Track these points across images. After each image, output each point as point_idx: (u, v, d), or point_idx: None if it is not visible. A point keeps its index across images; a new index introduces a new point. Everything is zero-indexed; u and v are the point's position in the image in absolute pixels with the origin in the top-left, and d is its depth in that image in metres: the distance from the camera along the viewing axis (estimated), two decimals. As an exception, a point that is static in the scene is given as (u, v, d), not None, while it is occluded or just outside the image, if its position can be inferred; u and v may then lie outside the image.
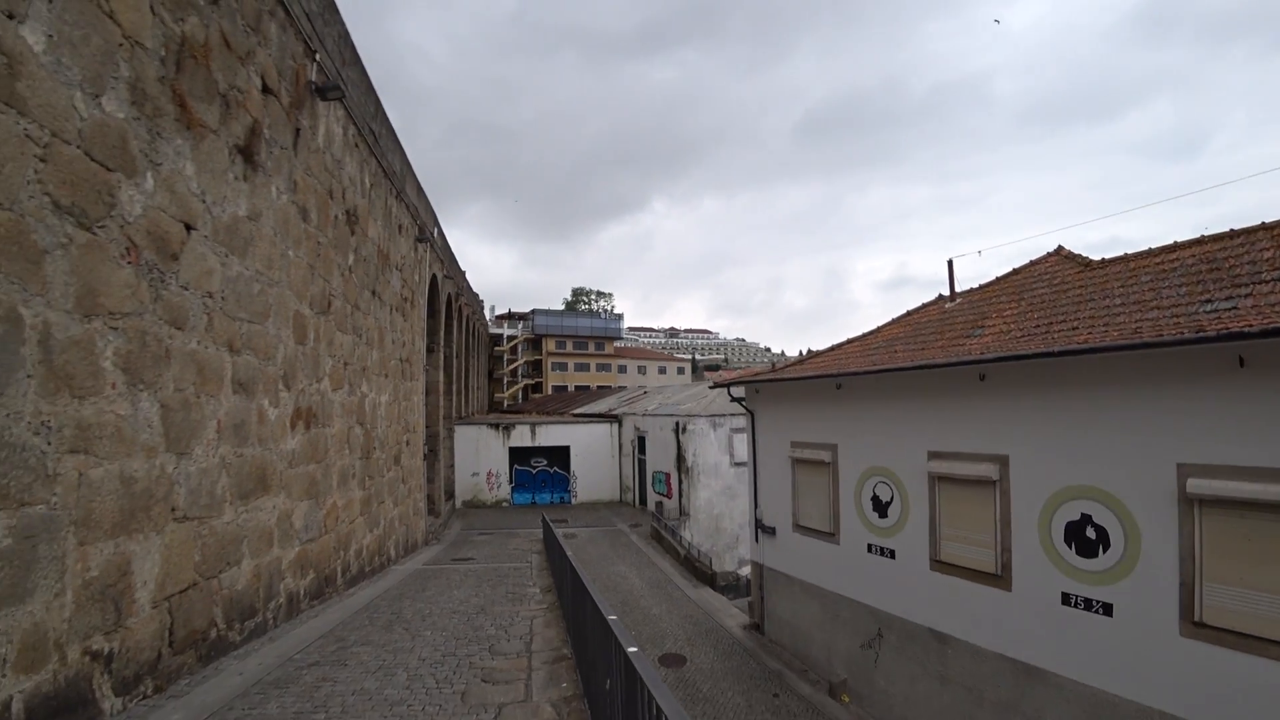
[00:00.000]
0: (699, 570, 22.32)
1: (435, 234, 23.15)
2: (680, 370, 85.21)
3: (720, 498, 28.53)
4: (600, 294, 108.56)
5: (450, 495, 31.34)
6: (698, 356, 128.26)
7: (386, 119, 15.68)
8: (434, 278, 25.20)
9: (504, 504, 33.37)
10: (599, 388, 64.41)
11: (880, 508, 13.49)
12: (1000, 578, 10.68)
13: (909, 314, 16.81)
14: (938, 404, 11.91)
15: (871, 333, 17.05)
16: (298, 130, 9.62)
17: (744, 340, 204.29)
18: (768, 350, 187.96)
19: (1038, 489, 10.11)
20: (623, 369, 77.63)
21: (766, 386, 16.98)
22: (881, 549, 13.39)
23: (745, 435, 29.46)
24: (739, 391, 17.99)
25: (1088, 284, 11.69)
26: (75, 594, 4.58)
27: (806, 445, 15.58)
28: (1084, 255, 13.19)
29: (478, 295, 53.94)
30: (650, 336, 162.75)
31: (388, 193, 15.93)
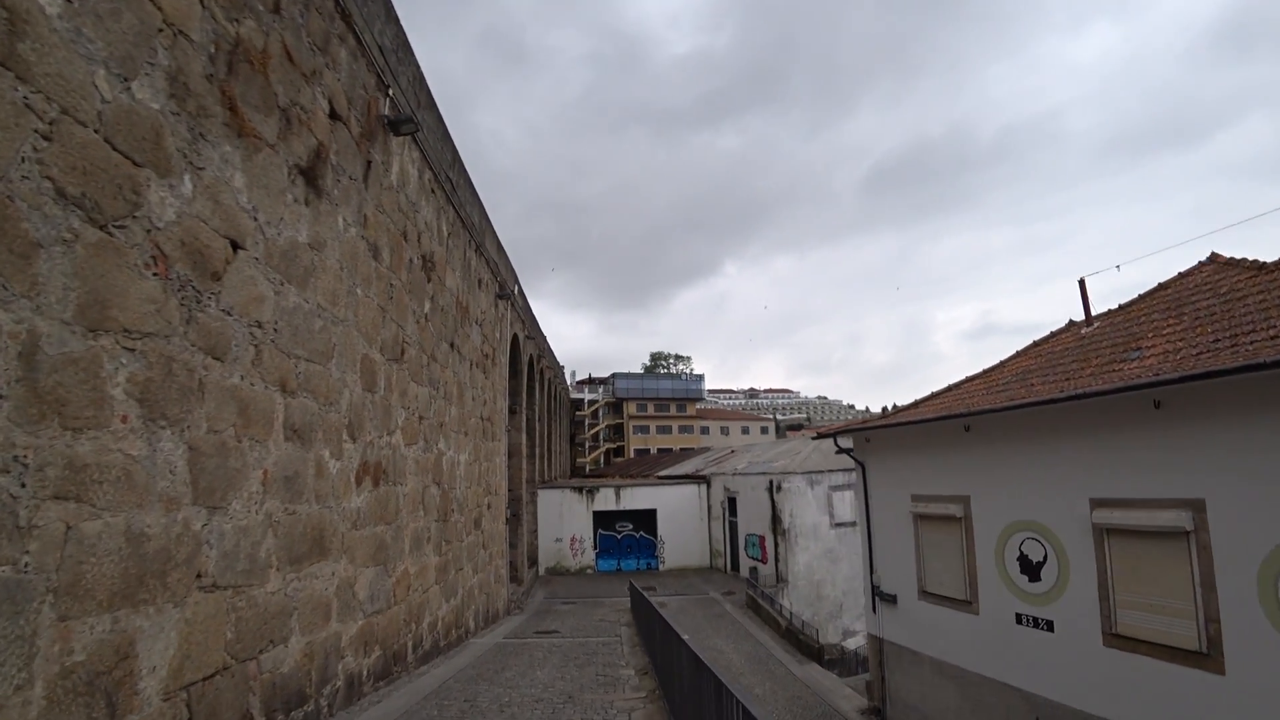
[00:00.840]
0: (803, 644, 20.11)
1: (516, 292, 22.69)
2: (764, 430, 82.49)
3: (821, 561, 26.23)
4: (679, 357, 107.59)
5: (533, 562, 30.10)
6: (779, 416, 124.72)
7: (464, 170, 15.26)
8: (515, 337, 24.67)
9: (588, 570, 31.85)
10: (681, 450, 62.69)
11: (1030, 569, 11.42)
12: (1208, 656, 8.52)
13: (1036, 345, 14.95)
14: (1099, 441, 9.98)
15: (994, 369, 15.20)
16: (369, 163, 8.98)
17: (826, 398, 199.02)
18: (850, 407, 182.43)
19: (1254, 541, 8.03)
20: (705, 430, 75.74)
21: (879, 434, 15.17)
22: (1035, 620, 11.26)
23: (847, 492, 27.26)
24: (846, 442, 16.22)
25: (1270, 288, 9.72)
26: (48, 686, 3.49)
27: (931, 499, 13.63)
28: (1250, 259, 11.17)
29: (558, 361, 53.81)
30: (730, 398, 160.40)
31: (466, 244, 15.39)
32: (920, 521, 14.01)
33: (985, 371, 15.28)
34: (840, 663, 23.42)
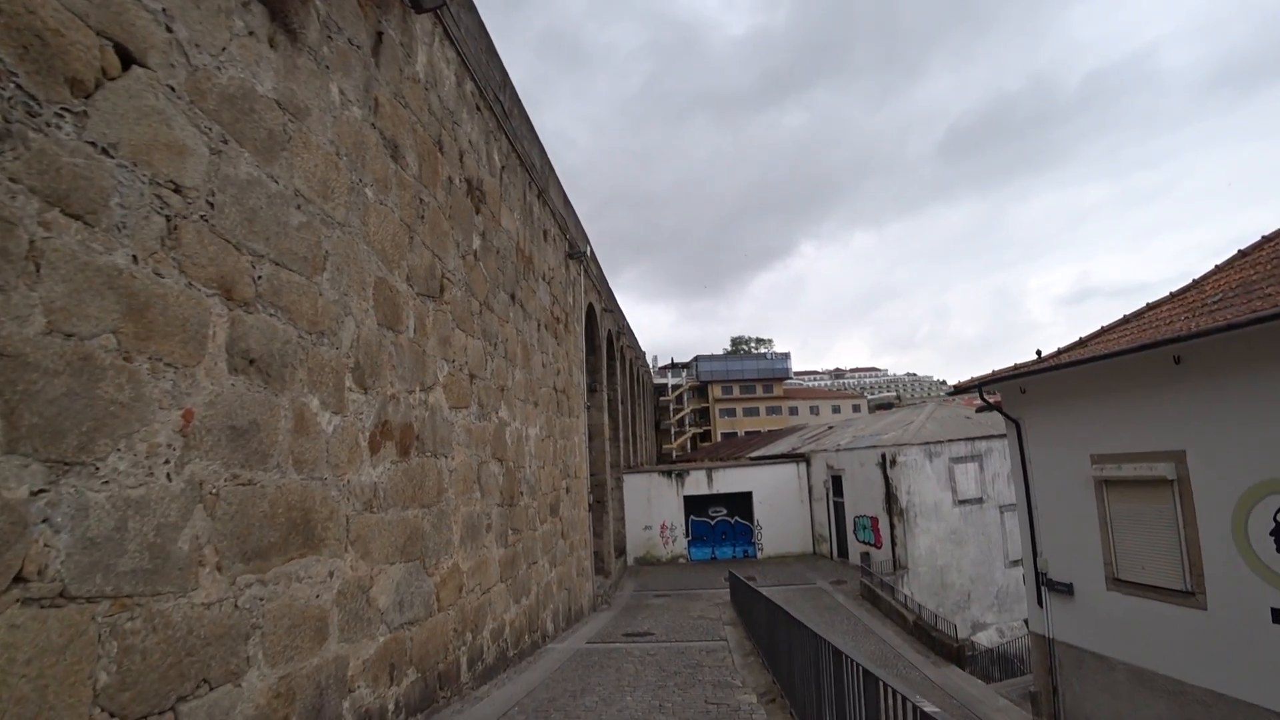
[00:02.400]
0: (937, 641, 17.11)
1: (589, 254, 20.50)
2: (855, 408, 77.99)
3: (944, 545, 23.10)
4: (760, 340, 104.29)
5: (621, 552, 28.06)
6: (868, 396, 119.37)
7: (519, 100, 13.09)
8: (591, 307, 22.54)
9: (680, 560, 29.56)
10: (770, 431, 59.57)
11: (1295, 548, 8.40)
12: None
13: (1244, 255, 11.80)
14: None
15: (1187, 290, 12.10)
16: (379, 34, 6.83)
17: (915, 375, 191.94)
18: (942, 383, 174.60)
19: None
20: (794, 411, 72.17)
21: (1041, 381, 12.18)
22: (1310, 619, 8.24)
23: (971, 465, 23.91)
24: (995, 395, 13.27)
25: None
26: None
27: (1124, 458, 10.63)
28: None
29: (640, 346, 51.67)
30: (815, 379, 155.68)
31: (526, 186, 13.25)
32: (1107, 489, 11.01)
33: (1175, 295, 12.11)
34: (972, 661, 20.30)
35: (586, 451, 19.03)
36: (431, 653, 6.54)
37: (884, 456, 23.09)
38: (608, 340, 27.55)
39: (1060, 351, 12.64)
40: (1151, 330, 10.89)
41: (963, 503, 23.42)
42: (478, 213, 9.75)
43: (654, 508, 29.82)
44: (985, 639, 23.06)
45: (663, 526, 29.78)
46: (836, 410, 75.12)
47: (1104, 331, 12.58)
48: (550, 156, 16.12)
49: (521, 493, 10.66)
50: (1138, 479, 10.36)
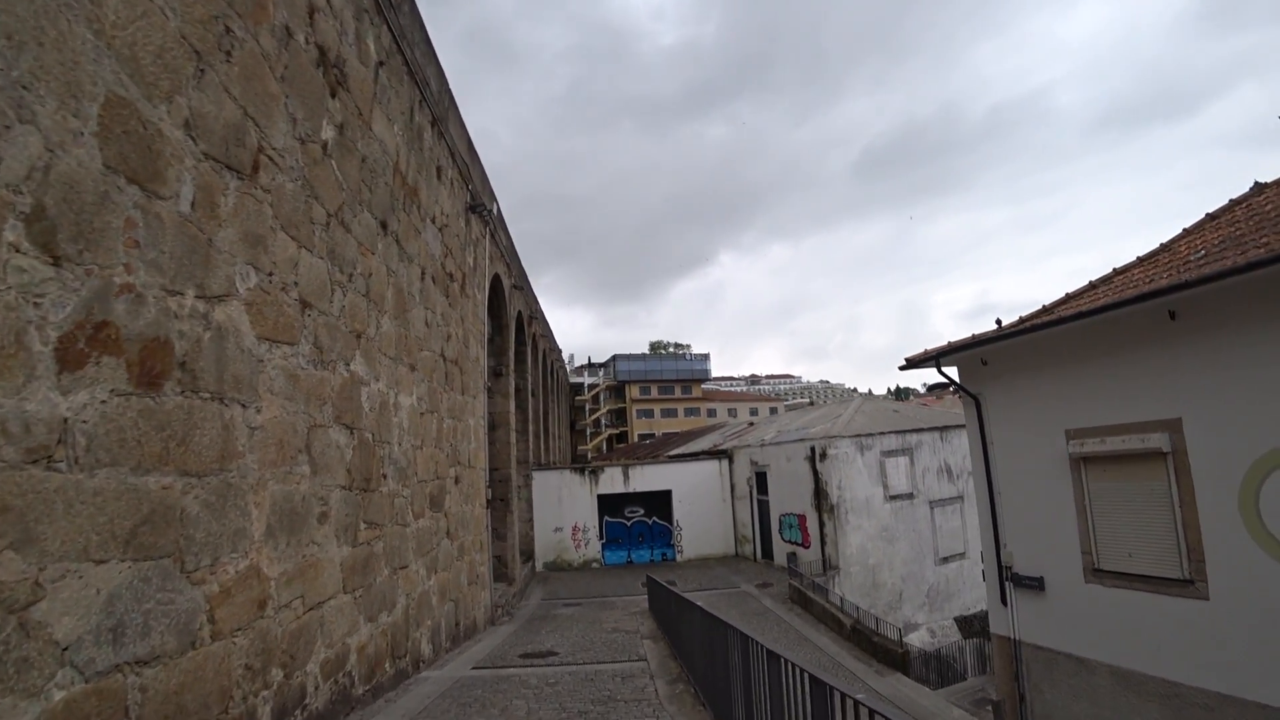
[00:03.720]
0: (879, 647, 15.54)
1: (495, 212, 18.04)
2: (773, 411, 78.05)
3: (876, 542, 21.84)
4: (678, 345, 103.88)
5: (529, 556, 25.55)
6: (785, 401, 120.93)
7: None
8: (498, 278, 20.06)
9: (594, 564, 27.32)
10: (688, 431, 58.16)
11: (1326, 530, 7.05)
12: None
13: (1213, 218, 10.80)
14: None
15: (1158, 253, 10.93)
16: None
17: (828, 382, 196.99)
18: (854, 391, 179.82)
19: None
20: (712, 413, 71.19)
21: (1004, 352, 10.71)
22: (1345, 613, 6.87)
23: (902, 459, 22.77)
24: (952, 369, 11.74)
25: None
26: None
27: (1106, 430, 9.19)
28: None
29: (556, 341, 49.10)
30: (732, 385, 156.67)
31: (415, 103, 10.81)
32: (1085, 467, 9.56)
33: (1143, 259, 10.89)
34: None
35: (486, 440, 16.55)
36: (193, 707, 4.09)
37: (813, 450, 21.61)
38: (518, 322, 25.09)
39: (1024, 319, 11.25)
40: (1130, 291, 9.55)
41: (894, 498, 22.25)
42: (333, 96, 7.31)
43: (565, 508, 27.46)
44: (917, 639, 21.92)
45: (575, 528, 27.45)
46: (754, 413, 74.76)
47: (1070, 298, 11.25)
48: (475, 146, 13.89)
49: (385, 476, 8.21)
50: (1125, 453, 8.94)
